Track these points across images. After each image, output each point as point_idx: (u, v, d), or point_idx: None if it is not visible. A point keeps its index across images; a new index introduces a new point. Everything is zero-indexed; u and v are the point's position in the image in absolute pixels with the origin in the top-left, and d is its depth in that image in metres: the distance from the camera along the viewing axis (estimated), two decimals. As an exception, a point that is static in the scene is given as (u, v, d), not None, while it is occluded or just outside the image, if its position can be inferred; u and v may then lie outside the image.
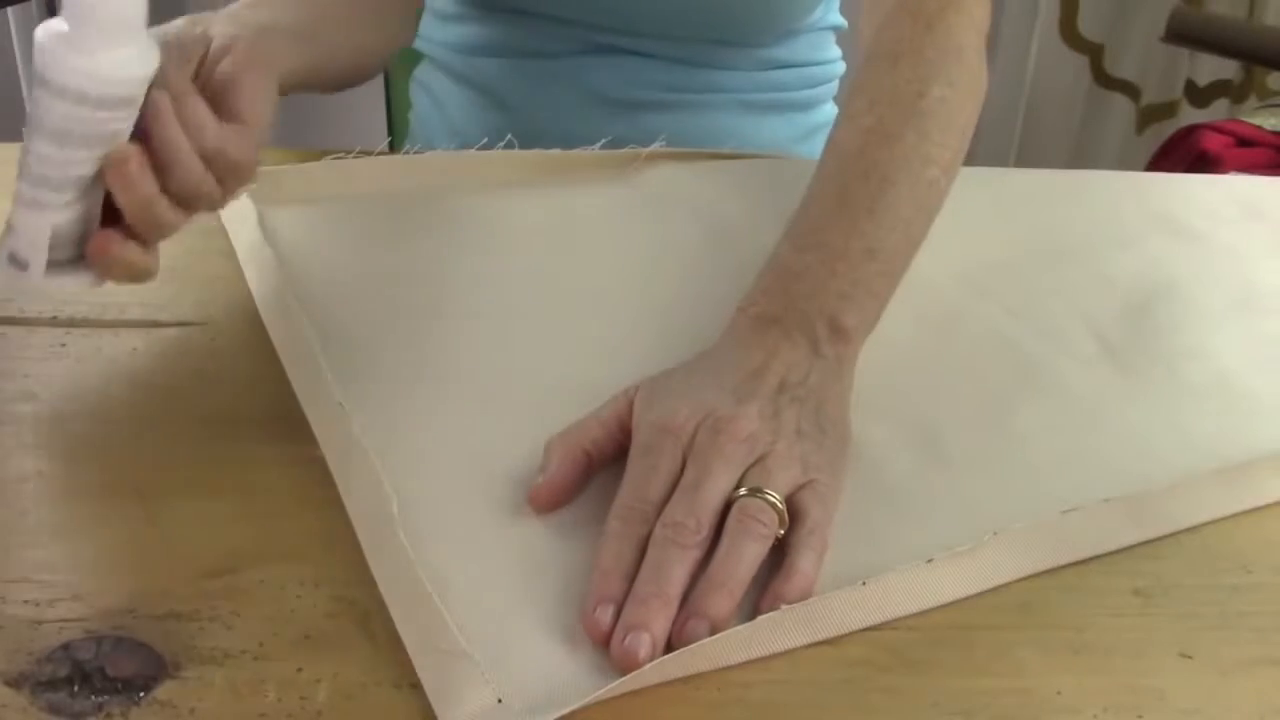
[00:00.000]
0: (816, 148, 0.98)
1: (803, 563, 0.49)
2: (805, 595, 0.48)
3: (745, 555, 0.48)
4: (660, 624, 0.46)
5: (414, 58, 1.02)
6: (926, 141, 0.64)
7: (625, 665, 0.45)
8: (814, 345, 0.57)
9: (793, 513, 0.51)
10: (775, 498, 0.50)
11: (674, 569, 0.48)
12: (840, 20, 0.99)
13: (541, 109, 0.93)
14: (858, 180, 0.63)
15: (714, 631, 0.46)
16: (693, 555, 0.48)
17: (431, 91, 0.99)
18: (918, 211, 0.63)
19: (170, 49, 0.55)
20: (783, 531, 0.50)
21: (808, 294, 0.58)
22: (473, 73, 0.95)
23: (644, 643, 0.45)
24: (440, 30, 0.98)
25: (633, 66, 0.92)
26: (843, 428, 0.55)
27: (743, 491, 0.50)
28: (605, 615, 0.46)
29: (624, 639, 0.45)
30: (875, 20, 0.73)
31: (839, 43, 1.00)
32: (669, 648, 0.46)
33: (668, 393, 0.54)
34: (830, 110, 1.01)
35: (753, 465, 0.51)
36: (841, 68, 1.00)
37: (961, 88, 0.67)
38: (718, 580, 0.48)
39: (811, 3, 0.91)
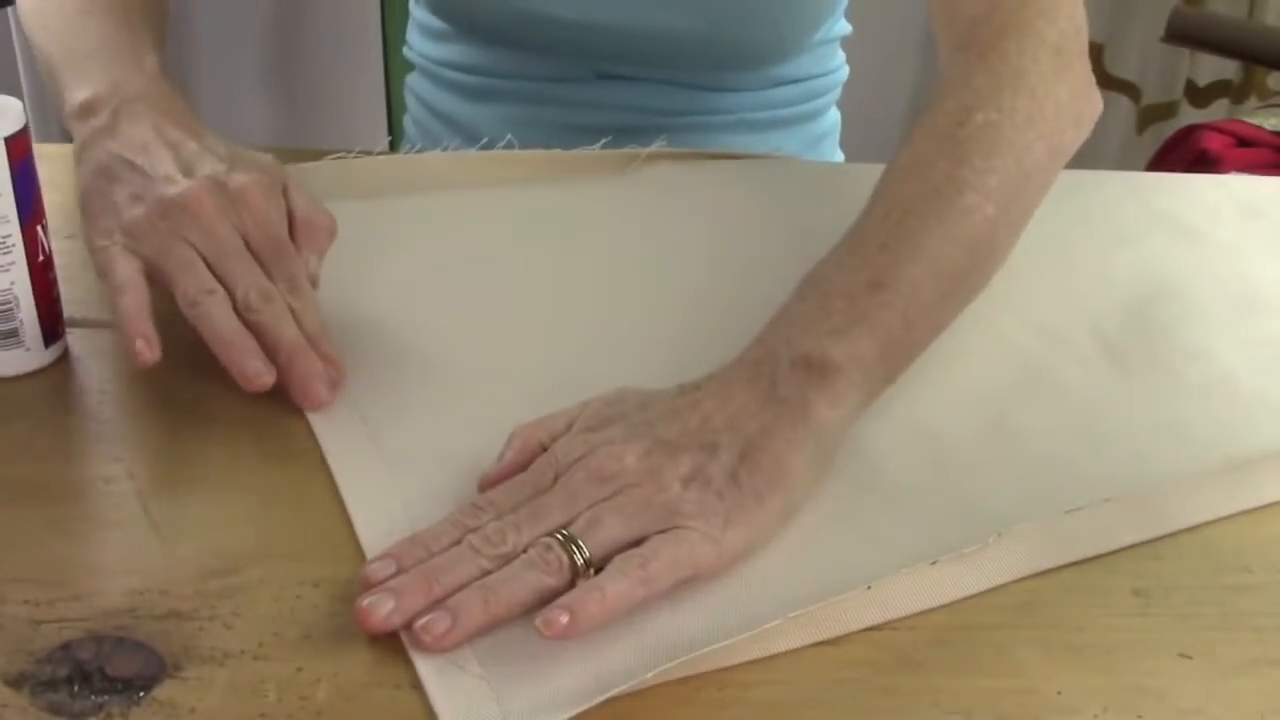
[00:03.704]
0: (820, 156, 0.98)
1: (608, 582, 0.46)
2: (593, 614, 0.45)
3: (520, 584, 0.46)
4: (410, 601, 0.46)
5: (408, 65, 1.01)
6: (962, 168, 0.59)
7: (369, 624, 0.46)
8: (772, 387, 0.52)
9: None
10: (582, 556, 0.47)
11: (456, 573, 0.47)
12: (846, 27, 0.96)
13: (537, 131, 0.90)
14: (875, 220, 0.59)
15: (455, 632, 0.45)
16: (480, 566, 0.47)
17: (423, 99, 0.98)
18: (948, 241, 0.58)
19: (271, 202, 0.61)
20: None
21: (791, 336, 0.55)
22: (465, 82, 0.94)
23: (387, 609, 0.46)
24: (430, 47, 0.96)
25: (632, 92, 0.90)
26: (766, 482, 0.50)
27: (559, 536, 0.47)
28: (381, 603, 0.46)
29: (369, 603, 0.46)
30: (941, 66, 0.68)
31: (843, 47, 0.98)
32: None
33: (593, 419, 0.53)
34: (834, 116, 0.99)
35: (598, 503, 0.49)
36: (845, 73, 0.98)
37: (1018, 112, 0.62)
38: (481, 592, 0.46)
39: (820, 19, 0.89)
